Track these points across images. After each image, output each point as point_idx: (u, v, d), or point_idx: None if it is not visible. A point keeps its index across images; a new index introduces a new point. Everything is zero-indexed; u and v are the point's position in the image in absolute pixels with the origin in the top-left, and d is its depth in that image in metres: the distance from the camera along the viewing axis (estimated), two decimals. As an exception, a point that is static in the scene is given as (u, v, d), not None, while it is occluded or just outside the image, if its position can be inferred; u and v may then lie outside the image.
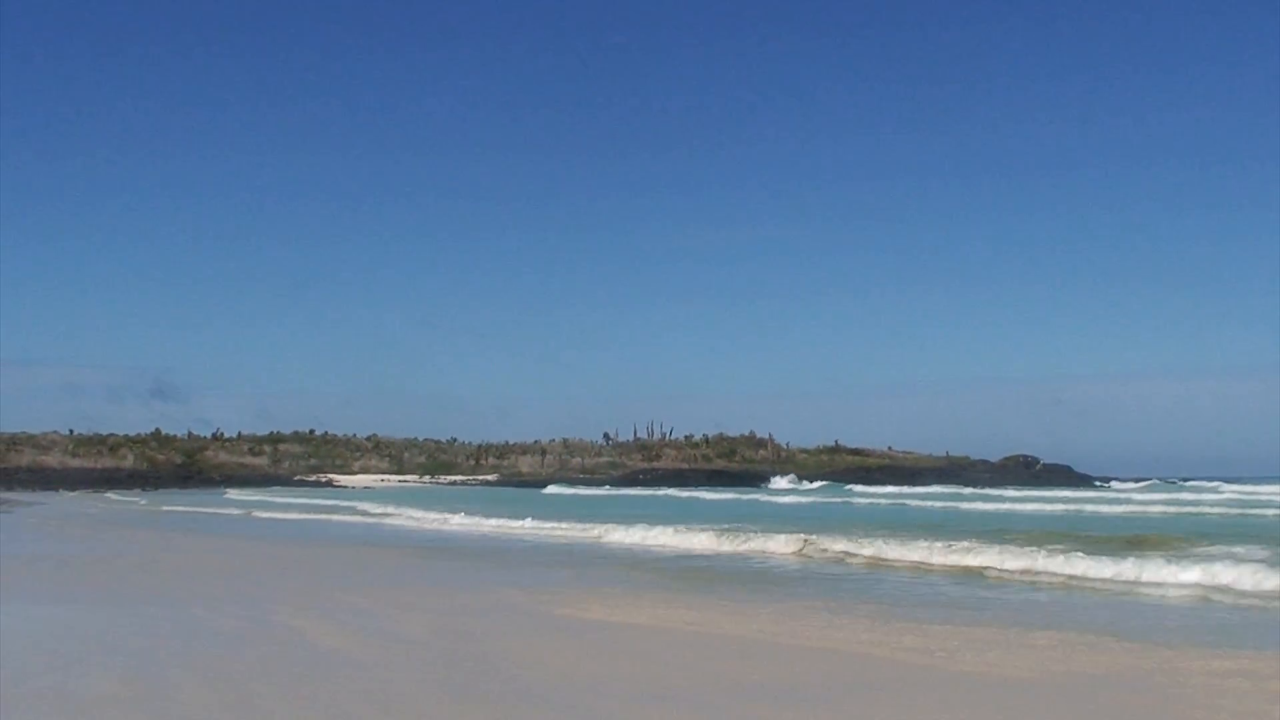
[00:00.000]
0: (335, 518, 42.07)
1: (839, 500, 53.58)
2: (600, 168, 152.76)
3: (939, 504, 46.62)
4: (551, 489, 78.97)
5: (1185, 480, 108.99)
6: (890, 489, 66.64)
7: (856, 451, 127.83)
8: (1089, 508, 41.54)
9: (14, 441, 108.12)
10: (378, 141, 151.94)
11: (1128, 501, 45.74)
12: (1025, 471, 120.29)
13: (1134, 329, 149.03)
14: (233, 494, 73.63)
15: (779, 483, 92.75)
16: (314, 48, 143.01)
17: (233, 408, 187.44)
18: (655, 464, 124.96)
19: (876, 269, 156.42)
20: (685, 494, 62.90)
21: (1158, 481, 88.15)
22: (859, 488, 70.93)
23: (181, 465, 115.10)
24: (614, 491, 69.70)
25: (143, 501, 63.91)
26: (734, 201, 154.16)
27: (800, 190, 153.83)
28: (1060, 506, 41.97)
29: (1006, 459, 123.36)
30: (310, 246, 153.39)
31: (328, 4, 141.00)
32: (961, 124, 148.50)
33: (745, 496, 59.94)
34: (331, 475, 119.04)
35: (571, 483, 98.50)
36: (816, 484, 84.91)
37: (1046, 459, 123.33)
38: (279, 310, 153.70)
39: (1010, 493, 57.29)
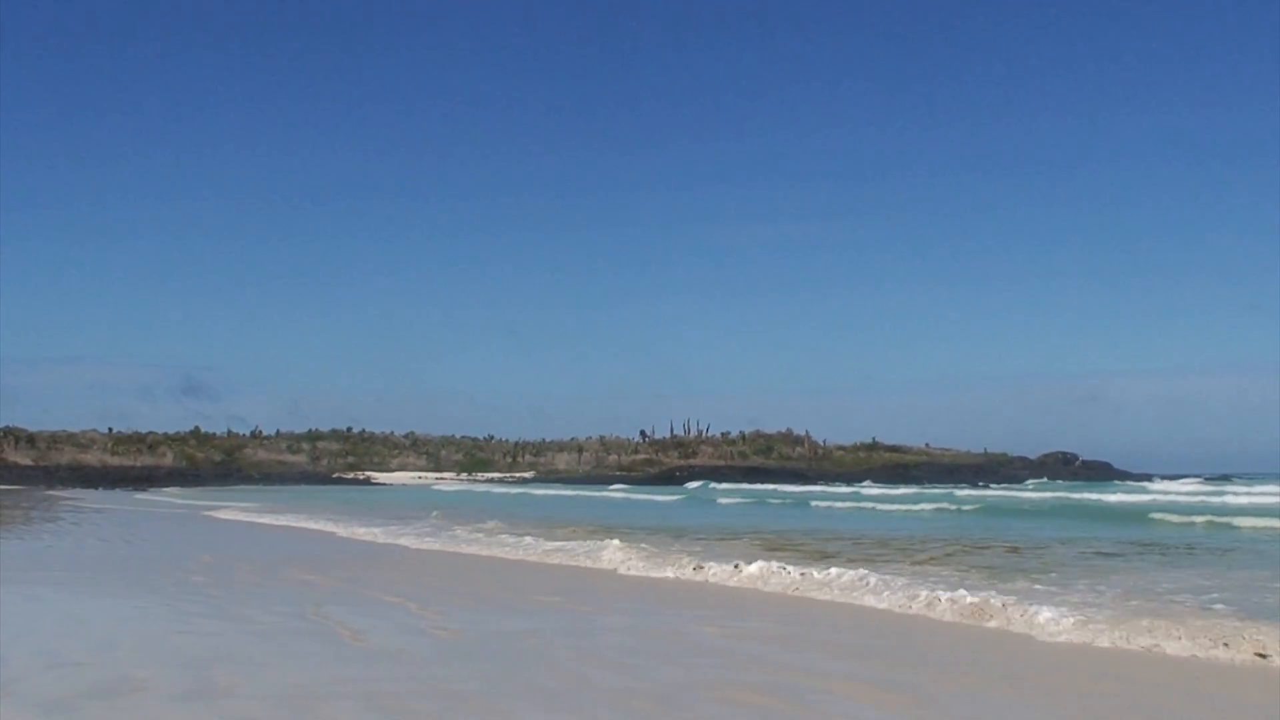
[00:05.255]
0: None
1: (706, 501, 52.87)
2: (636, 164, 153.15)
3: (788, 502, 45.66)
4: (441, 486, 79.81)
5: (1226, 477, 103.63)
6: (774, 485, 65.36)
7: (894, 448, 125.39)
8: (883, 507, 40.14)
9: (54, 440, 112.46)
10: (412, 141, 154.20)
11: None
12: (1064, 468, 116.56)
13: (1167, 324, 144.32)
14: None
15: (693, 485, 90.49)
16: (348, 48, 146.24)
17: (266, 405, 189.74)
18: (692, 461, 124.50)
19: (914, 266, 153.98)
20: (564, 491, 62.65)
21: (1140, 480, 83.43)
22: (725, 487, 69.56)
23: (221, 463, 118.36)
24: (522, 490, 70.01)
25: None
26: (772, 197, 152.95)
27: (838, 186, 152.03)
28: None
29: (1045, 456, 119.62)
30: (341, 245, 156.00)
31: (358, 9, 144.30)
32: (1000, 119, 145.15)
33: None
34: (370, 473, 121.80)
35: (605, 481, 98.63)
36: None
37: (1088, 456, 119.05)
38: (310, 308, 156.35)
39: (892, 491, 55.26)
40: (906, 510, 39.41)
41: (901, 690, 7.68)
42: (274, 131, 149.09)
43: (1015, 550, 19.73)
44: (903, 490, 56.03)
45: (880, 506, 41.93)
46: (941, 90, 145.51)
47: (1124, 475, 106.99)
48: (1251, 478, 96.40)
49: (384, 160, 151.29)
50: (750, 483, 78.82)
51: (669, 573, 15.52)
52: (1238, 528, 29.00)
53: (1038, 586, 13.22)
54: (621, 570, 16.35)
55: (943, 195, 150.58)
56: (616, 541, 19.08)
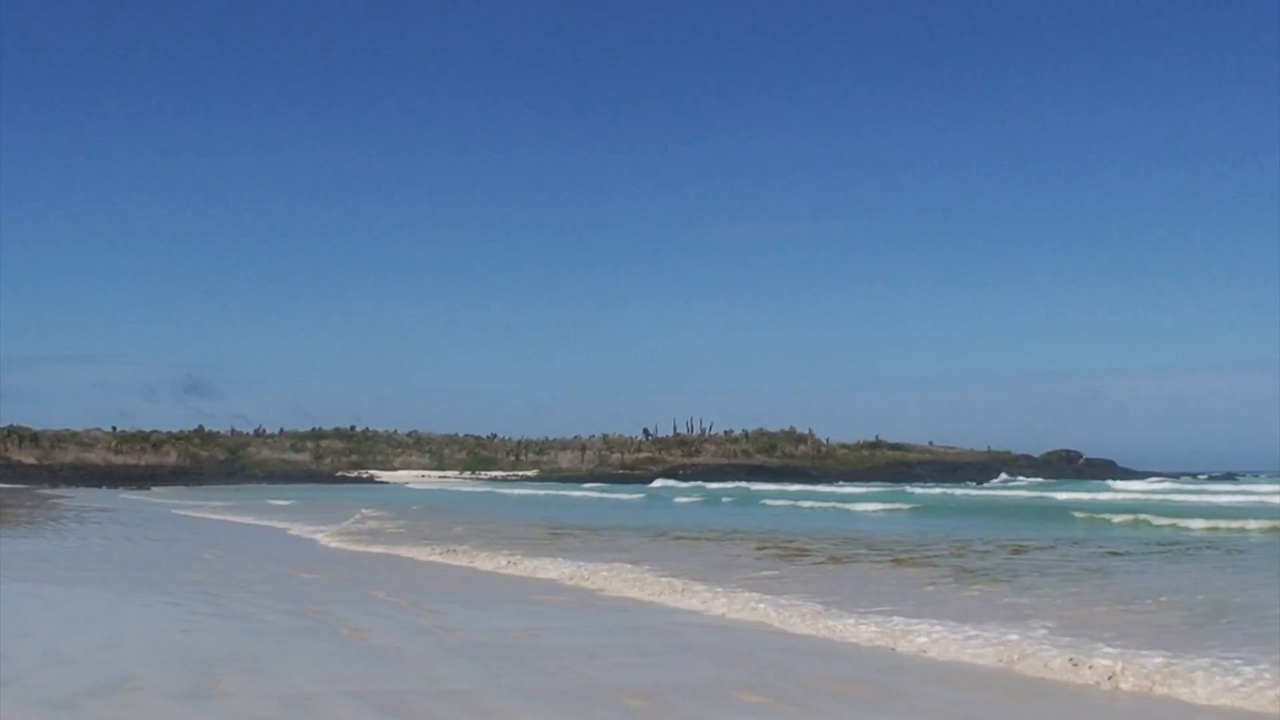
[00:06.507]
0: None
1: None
2: (636, 164, 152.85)
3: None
4: (416, 484, 79.72)
5: (1231, 475, 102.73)
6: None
7: (897, 446, 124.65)
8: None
9: (58, 439, 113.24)
10: (412, 141, 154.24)
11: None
12: (1067, 466, 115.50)
13: (1171, 322, 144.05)
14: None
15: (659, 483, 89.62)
16: (347, 48, 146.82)
17: (269, 404, 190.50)
18: (695, 459, 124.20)
19: (917, 264, 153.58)
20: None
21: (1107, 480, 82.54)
22: (686, 485, 69.63)
23: (224, 462, 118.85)
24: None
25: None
26: (773, 196, 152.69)
27: (838, 186, 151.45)
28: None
29: (1049, 454, 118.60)
30: (343, 244, 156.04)
31: (358, 9, 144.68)
32: (1000, 118, 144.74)
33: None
34: (373, 471, 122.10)
35: (608, 480, 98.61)
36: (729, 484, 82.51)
37: (1094, 454, 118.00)
38: (312, 307, 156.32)
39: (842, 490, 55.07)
40: (846, 509, 39.38)
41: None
42: (273, 131, 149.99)
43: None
44: (860, 489, 56.02)
45: (823, 504, 41.90)
46: (941, 89, 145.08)
47: (1128, 473, 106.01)
48: (1255, 476, 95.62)
49: (384, 160, 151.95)
50: (746, 481, 78.78)
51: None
52: (1157, 526, 29.02)
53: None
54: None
55: (944, 194, 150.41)
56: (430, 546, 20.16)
